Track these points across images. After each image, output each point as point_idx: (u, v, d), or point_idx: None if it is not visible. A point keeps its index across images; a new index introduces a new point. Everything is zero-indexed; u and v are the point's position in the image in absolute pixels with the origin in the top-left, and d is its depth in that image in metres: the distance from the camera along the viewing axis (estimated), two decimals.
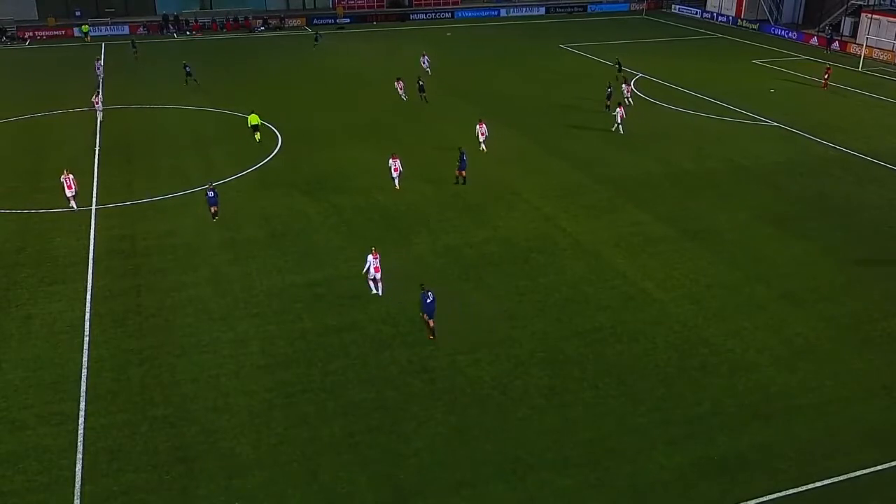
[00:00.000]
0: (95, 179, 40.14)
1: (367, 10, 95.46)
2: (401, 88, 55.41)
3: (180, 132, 48.10)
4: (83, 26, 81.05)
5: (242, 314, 27.43)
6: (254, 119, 45.54)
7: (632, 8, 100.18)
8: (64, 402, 22.73)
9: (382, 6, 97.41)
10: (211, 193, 34.83)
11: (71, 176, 36.31)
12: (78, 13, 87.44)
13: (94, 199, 37.45)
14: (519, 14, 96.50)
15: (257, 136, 45.16)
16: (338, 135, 47.33)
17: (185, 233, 33.83)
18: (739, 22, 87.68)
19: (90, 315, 27.36)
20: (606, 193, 38.41)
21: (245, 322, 26.92)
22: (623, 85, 53.83)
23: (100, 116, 50.90)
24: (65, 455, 20.67)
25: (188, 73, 59.44)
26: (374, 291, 28.62)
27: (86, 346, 25.47)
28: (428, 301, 25.45)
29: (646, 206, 36.85)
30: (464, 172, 38.89)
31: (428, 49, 73.29)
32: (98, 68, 62.88)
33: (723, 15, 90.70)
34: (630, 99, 53.27)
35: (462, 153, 39.17)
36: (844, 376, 23.93)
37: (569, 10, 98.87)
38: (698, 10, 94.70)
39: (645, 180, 40.17)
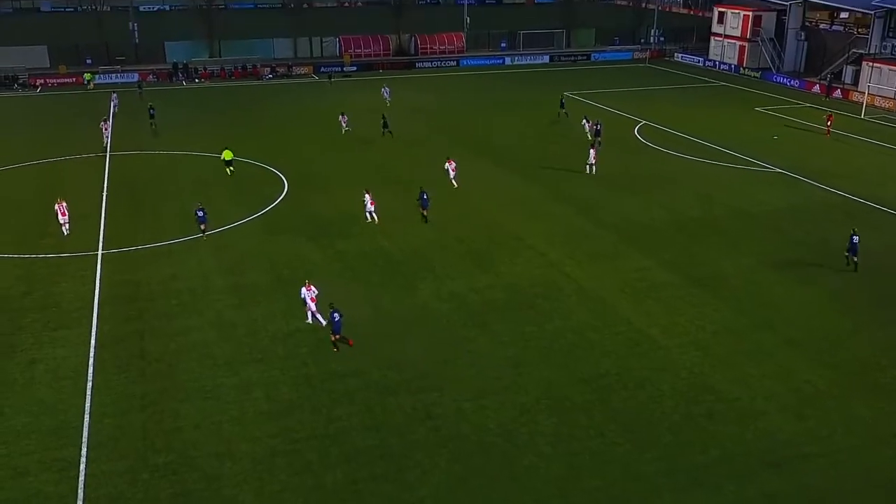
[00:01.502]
0: (102, 224, 40.36)
1: (373, 58, 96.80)
2: (344, 122, 59.13)
3: (187, 177, 48.48)
4: (86, 74, 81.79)
5: (247, 359, 27.34)
6: (227, 155, 48.68)
7: (635, 56, 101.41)
8: (65, 449, 22.56)
9: (388, 54, 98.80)
10: (200, 213, 37.99)
11: (64, 204, 38.85)
12: (89, 61, 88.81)
13: (100, 244, 37.62)
14: (524, 62, 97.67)
15: (229, 170, 48.14)
16: (342, 179, 47.61)
17: (189, 277, 33.90)
18: (742, 70, 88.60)
19: (94, 360, 27.29)
20: (611, 239, 38.47)
21: (249, 367, 26.82)
22: (584, 122, 57.28)
23: (107, 141, 55.46)
24: (65, 502, 20.44)
25: (151, 116, 61.33)
26: (308, 321, 29.48)
27: (89, 392, 25.36)
28: (336, 319, 27.41)
29: (650, 251, 36.87)
30: (426, 211, 39.98)
31: (431, 95, 74.28)
32: (113, 99, 67.87)
33: (725, 63, 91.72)
34: (590, 136, 55.73)
35: (423, 192, 40.18)
36: (853, 424, 23.67)
37: (573, 58, 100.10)
38: (701, 59, 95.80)
39: (649, 226, 40.26)
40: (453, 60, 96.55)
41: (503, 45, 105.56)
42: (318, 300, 29.45)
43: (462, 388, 25.56)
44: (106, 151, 54.14)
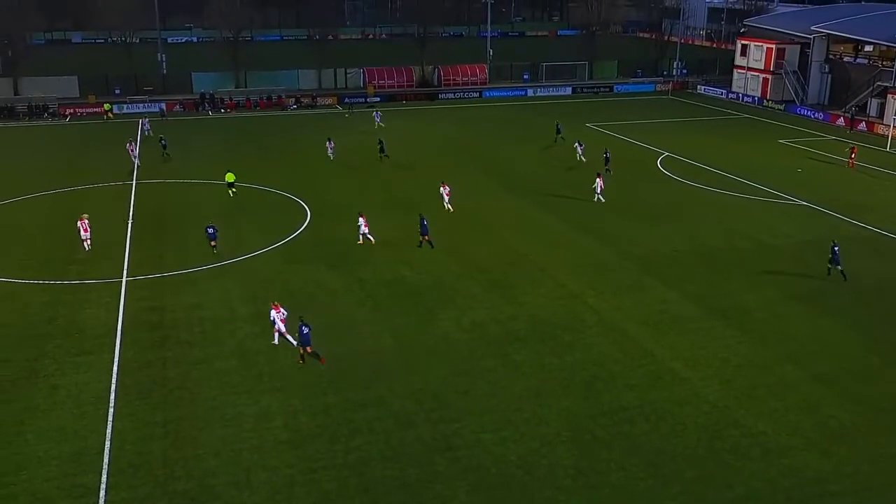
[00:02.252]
0: (127, 251, 40.78)
1: (396, 89, 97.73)
2: (330, 148, 61.08)
3: (211, 206, 48.92)
4: (105, 104, 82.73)
5: (266, 388, 27.36)
6: (230, 177, 51.03)
7: (657, 88, 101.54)
8: (86, 475, 22.61)
9: (412, 85, 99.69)
10: (210, 230, 40.00)
11: (86, 220, 40.78)
12: (118, 91, 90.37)
13: (124, 271, 37.98)
14: (546, 94, 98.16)
15: (231, 191, 50.37)
16: (363, 208, 47.73)
17: (212, 305, 34.08)
18: (765, 102, 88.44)
19: (116, 387, 27.43)
20: (633, 270, 38.28)
21: (269, 396, 26.83)
22: (577, 146, 59.85)
23: (136, 162, 58.44)
24: None
25: (164, 147, 62.09)
26: (275, 342, 30.01)
27: (110, 418, 25.46)
28: (304, 332, 28.42)
29: (673, 283, 36.62)
30: (427, 237, 40.43)
31: (451, 126, 74.86)
32: (144, 124, 71.39)
33: (748, 95, 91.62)
34: (582, 158, 58.89)
35: (422, 218, 40.70)
36: (882, 461, 23.20)
37: (595, 90, 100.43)
38: (724, 91, 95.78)
39: (672, 257, 40.04)
40: (476, 92, 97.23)
41: (526, 76, 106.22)
42: (286, 321, 29.96)
43: (482, 418, 25.40)
44: (134, 171, 56.80)
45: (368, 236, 41.02)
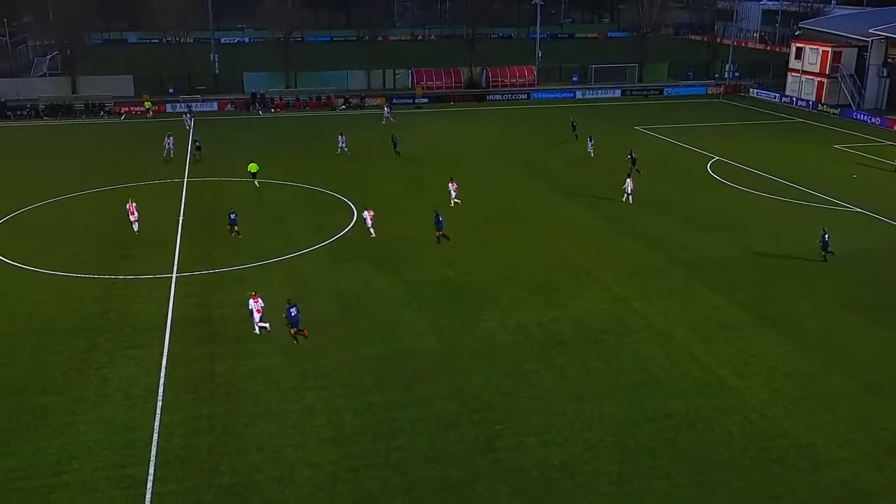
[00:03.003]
0: (177, 247, 41.51)
1: (444, 90, 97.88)
2: (342, 142, 62.93)
3: (260, 204, 49.56)
4: (146, 102, 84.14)
5: (311, 385, 27.61)
6: (253, 167, 52.96)
7: (709, 92, 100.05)
8: (134, 466, 23.06)
9: (460, 87, 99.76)
10: (233, 216, 42.51)
11: (134, 204, 43.19)
12: (171, 90, 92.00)
13: (175, 267, 38.65)
14: (594, 96, 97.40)
15: (256, 182, 52.45)
16: (408, 208, 48.01)
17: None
18: (820, 107, 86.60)
19: (164, 380, 27.93)
20: (681, 275, 37.79)
21: (313, 393, 27.06)
22: (589, 142, 62.58)
23: (170, 155, 61.81)
24: None
25: (198, 148, 63.62)
26: (256, 332, 31.06)
27: (158, 411, 25.93)
28: (293, 314, 29.90)
29: (722, 289, 36.06)
30: (442, 232, 41.45)
31: (500, 127, 74.77)
32: (188, 121, 75.02)
33: (802, 99, 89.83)
34: (592, 153, 61.67)
35: (437, 214, 41.66)
36: None
37: (644, 93, 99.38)
38: (777, 95, 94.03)
39: (721, 263, 39.43)
40: (524, 94, 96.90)
41: (574, 78, 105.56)
42: (263, 311, 31.14)
43: (525, 421, 25.30)
44: (167, 161, 60.67)
45: (370, 230, 42.35)
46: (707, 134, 72.43)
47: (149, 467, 22.99)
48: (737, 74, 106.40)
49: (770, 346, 30.51)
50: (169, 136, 63.56)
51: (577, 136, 68.05)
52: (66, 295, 35.44)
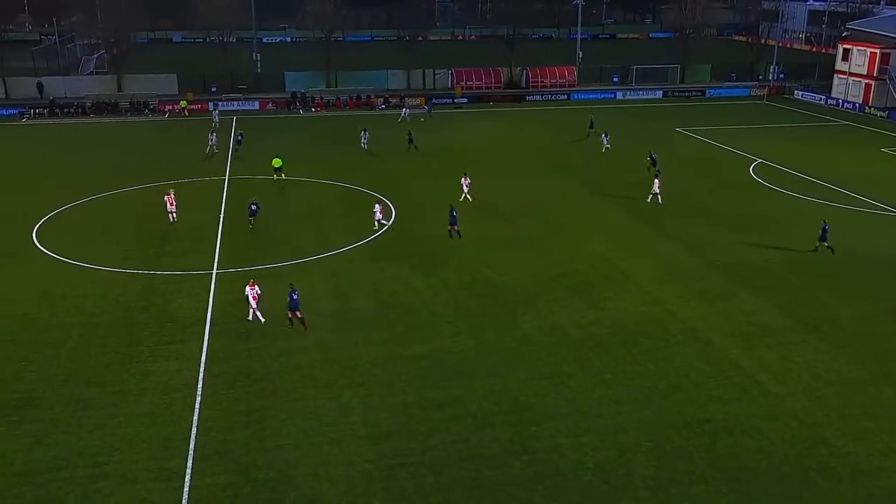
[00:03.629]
0: (218, 245, 42.02)
1: (484, 90, 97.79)
2: (364, 139, 64.60)
3: (299, 202, 49.98)
4: (182, 101, 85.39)
5: (347, 383, 27.77)
6: (276, 162, 54.53)
7: (752, 93, 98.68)
8: (173, 459, 23.39)
9: (500, 87, 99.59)
10: (253, 207, 44.00)
11: (173, 195, 45.12)
12: (214, 89, 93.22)
13: (215, 264, 39.14)
14: (635, 97, 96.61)
15: (281, 175, 54.00)
16: (444, 207, 47.87)
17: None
18: (867, 109, 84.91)
19: (203, 375, 28.30)
20: (721, 279, 37.31)
21: (349, 391, 27.21)
22: (604, 138, 64.34)
23: (213, 150, 64.18)
24: None
25: (239, 143, 65.08)
26: (250, 319, 32.25)
27: (197, 406, 26.28)
28: (294, 298, 31.12)
29: (763, 294, 35.53)
30: (456, 227, 42.24)
31: (539, 128, 74.51)
32: (215, 116, 77.12)
33: (849, 102, 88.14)
34: (608, 146, 63.67)
35: (452, 210, 42.82)
36: None
37: (686, 94, 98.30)
38: (822, 97, 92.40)
39: (762, 267, 38.85)
40: (564, 94, 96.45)
41: (615, 79, 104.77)
42: (259, 298, 32.17)
43: (560, 423, 25.19)
44: (209, 155, 62.93)
45: (382, 221, 43.92)
46: (750, 136, 71.44)
47: (187, 461, 23.31)
48: (781, 76, 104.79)
49: (812, 353, 30.00)
50: (212, 132, 65.03)
51: (594, 132, 68.22)
52: (109, 289, 36.08)
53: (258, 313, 32.19)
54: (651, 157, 56.59)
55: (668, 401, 26.61)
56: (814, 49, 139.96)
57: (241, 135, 66.51)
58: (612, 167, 59.83)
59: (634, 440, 24.36)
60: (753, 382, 27.81)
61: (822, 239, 40.03)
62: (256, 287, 32.30)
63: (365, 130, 65.38)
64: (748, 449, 23.92)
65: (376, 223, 43.88)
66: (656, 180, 49.53)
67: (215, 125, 72.93)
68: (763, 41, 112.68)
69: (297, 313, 31.43)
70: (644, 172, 55.39)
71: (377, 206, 44.34)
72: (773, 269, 38.64)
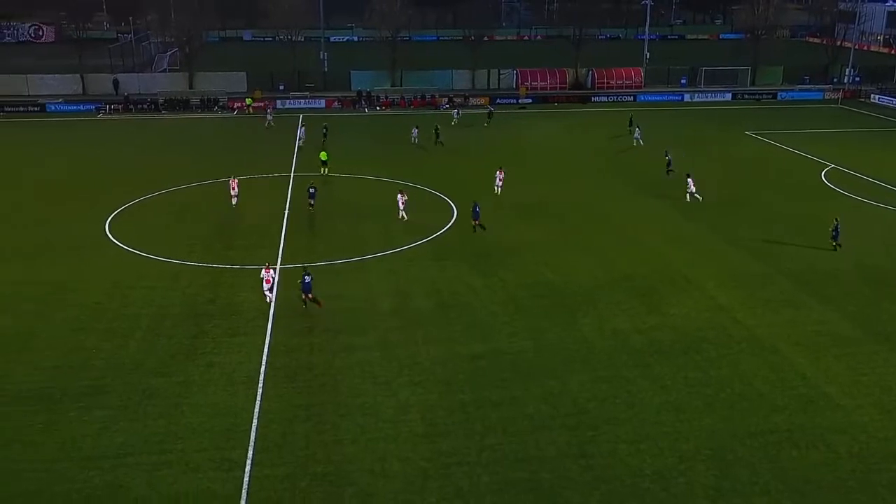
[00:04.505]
0: (282, 241, 42.70)
1: (549, 91, 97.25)
2: (415, 134, 67.05)
3: (362, 200, 50.38)
4: (247, 98, 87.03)
5: (405, 381, 27.94)
6: (323, 155, 56.56)
7: (826, 96, 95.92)
8: (234, 450, 23.88)
9: (565, 87, 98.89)
10: (312, 190, 47.18)
11: (236, 181, 48.33)
12: (281, 87, 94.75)
13: (278, 259, 39.78)
14: (703, 99, 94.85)
15: (325, 170, 55.51)
16: (507, 210, 47.89)
17: (356, 297, 35.11)
18: None
19: (265, 368, 28.80)
20: (788, 286, 36.41)
21: (407, 389, 27.38)
22: (636, 133, 66.34)
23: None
24: (230, 501, 21.62)
25: (325, 134, 67.19)
26: (267, 300, 33.79)
27: (258, 398, 26.76)
28: (307, 281, 32.77)
29: (832, 303, 34.56)
30: (478, 221, 43.00)
31: (603, 129, 73.75)
32: (269, 114, 77.49)
33: None
34: (641, 141, 65.42)
35: (475, 204, 43.45)
36: None
37: (757, 97, 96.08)
38: None
39: (832, 275, 37.78)
40: (630, 95, 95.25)
41: (683, 81, 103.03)
42: (272, 282, 34.05)
43: (619, 428, 24.92)
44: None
45: (403, 213, 45.12)
46: (823, 140, 69.46)
47: (248, 452, 23.77)
48: (857, 79, 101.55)
49: (882, 365, 29.05)
50: (302, 126, 68.64)
51: (633, 129, 68.39)
52: (177, 281, 36.99)
53: (268, 294, 33.97)
54: (667, 156, 55.86)
55: (731, 409, 26.09)
56: (893, 51, 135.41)
57: (325, 127, 68.88)
58: (680, 172, 58.78)
59: (695, 448, 23.95)
60: (820, 394, 27.07)
61: (835, 238, 40.57)
62: (272, 271, 34.38)
63: (416, 127, 68.02)
64: (813, 461, 23.31)
65: (402, 214, 45.12)
66: (689, 179, 49.11)
67: (269, 124, 74.78)
68: (839, 43, 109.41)
69: (310, 295, 32.98)
70: (699, 174, 54.33)
71: (399, 195, 45.40)
72: (842, 278, 37.55)
